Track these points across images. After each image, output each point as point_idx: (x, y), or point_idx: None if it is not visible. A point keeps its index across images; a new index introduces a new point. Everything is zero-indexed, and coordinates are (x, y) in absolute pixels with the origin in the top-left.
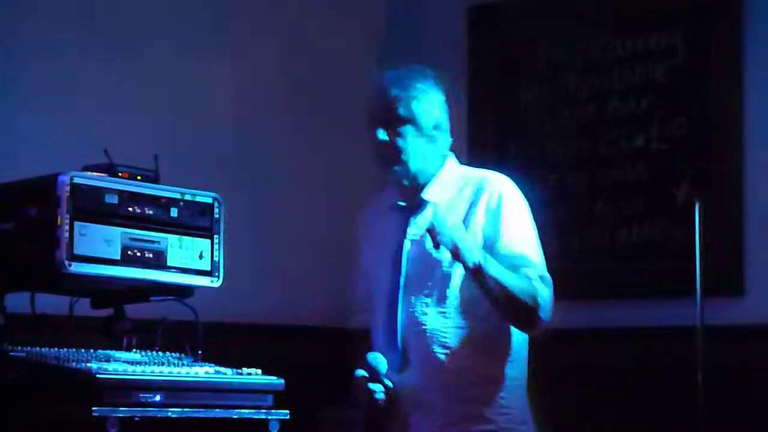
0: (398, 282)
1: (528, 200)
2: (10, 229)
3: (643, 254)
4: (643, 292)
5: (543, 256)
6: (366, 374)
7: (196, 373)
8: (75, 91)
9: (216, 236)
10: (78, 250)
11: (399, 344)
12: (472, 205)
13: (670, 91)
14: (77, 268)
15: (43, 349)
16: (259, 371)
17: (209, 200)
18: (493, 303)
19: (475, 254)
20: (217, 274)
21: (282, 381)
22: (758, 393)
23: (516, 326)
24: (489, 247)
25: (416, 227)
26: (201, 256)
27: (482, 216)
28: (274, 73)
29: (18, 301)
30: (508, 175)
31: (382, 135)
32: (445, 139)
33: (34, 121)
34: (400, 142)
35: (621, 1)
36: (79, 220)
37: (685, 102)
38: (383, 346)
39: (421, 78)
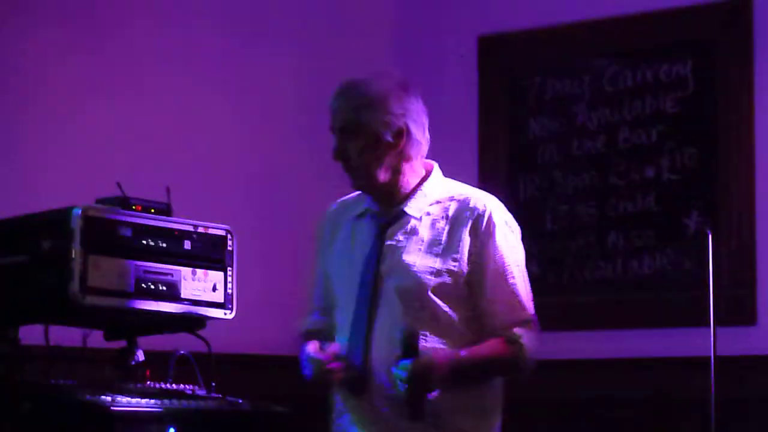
0: (374, 295)
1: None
2: (24, 262)
3: (654, 285)
4: (654, 323)
5: (530, 289)
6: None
7: (210, 405)
8: (88, 123)
9: (229, 268)
10: (91, 283)
11: (361, 356)
12: (458, 224)
13: (680, 122)
14: (91, 300)
15: (57, 381)
16: (272, 403)
17: (222, 233)
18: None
19: (436, 383)
20: (230, 306)
21: (294, 412)
22: None
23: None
24: (476, 271)
25: (396, 239)
26: (214, 289)
27: (470, 238)
28: (285, 103)
29: (32, 334)
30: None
31: (335, 144)
32: (415, 148)
33: (47, 154)
34: (351, 152)
35: (630, 33)
36: (92, 252)
37: (695, 133)
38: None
39: (375, 85)
